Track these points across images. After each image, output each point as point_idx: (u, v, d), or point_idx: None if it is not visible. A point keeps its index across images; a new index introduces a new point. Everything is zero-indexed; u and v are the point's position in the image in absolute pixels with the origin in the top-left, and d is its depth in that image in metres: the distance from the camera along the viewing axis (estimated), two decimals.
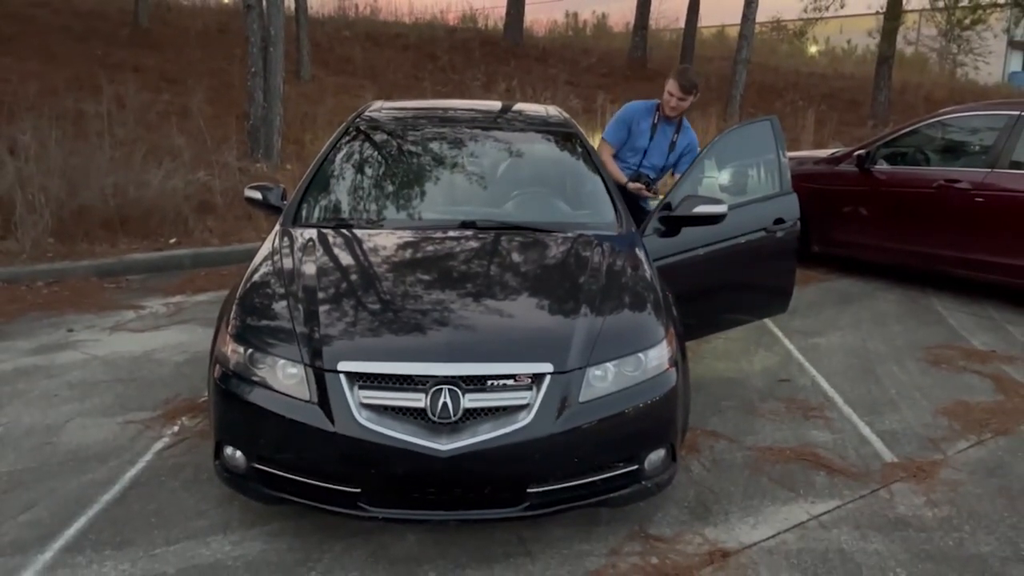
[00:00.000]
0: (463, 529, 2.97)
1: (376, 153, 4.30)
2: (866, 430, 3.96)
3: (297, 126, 10.34)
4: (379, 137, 4.36)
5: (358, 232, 3.61)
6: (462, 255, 3.44)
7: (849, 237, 6.90)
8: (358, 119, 4.43)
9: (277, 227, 3.67)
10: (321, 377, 2.63)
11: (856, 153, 6.95)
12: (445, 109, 4.93)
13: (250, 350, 2.77)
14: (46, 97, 9.10)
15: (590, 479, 2.74)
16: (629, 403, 2.74)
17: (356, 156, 4.22)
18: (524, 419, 2.60)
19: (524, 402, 2.63)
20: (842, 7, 17.79)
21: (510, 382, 2.64)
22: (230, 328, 2.90)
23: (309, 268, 3.17)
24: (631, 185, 4.62)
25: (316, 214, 3.81)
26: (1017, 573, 2.84)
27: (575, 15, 28.56)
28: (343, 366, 2.63)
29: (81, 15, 14.11)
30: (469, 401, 2.59)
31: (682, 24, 18.26)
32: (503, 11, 18.64)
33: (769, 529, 3.06)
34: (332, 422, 2.57)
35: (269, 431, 2.70)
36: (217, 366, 2.86)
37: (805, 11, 18.61)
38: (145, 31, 13.90)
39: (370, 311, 2.93)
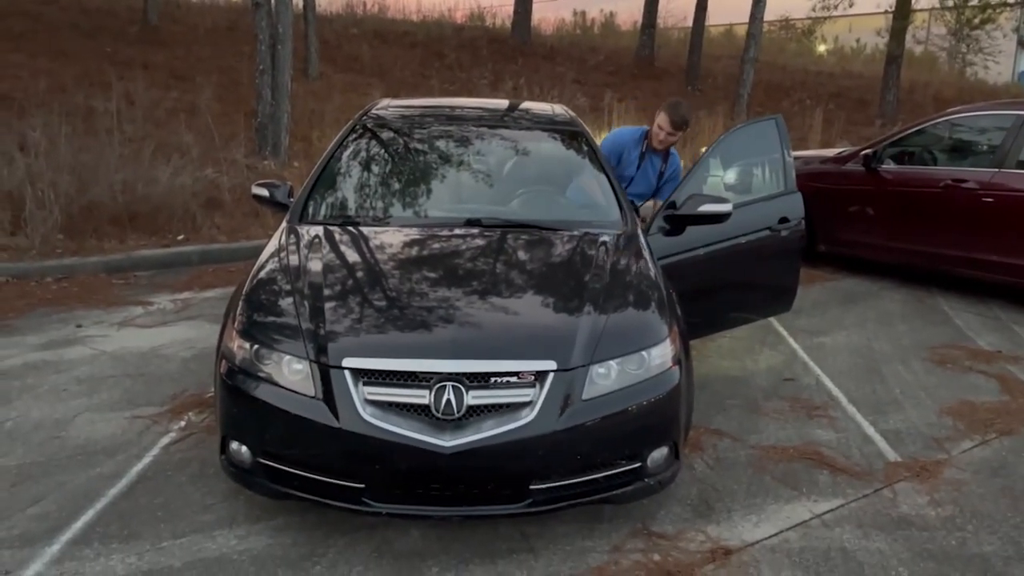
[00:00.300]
0: (467, 525, 2.99)
1: (382, 151, 4.31)
2: (870, 429, 3.96)
3: (305, 123, 10.37)
4: (386, 135, 4.37)
5: (364, 229, 3.62)
6: (467, 253, 3.45)
7: (855, 237, 6.90)
8: (365, 117, 4.44)
9: (284, 224, 3.70)
10: (326, 373, 2.65)
11: (863, 152, 6.94)
12: (452, 107, 4.95)
13: (256, 346, 2.80)
14: (56, 94, 9.17)
15: (593, 476, 2.76)
16: (632, 401, 2.76)
17: (363, 154, 4.24)
18: (527, 416, 2.62)
19: (527, 399, 2.64)
20: (851, 6, 17.74)
21: (514, 379, 2.65)
22: (236, 324, 2.92)
23: (315, 265, 3.19)
24: None
25: (322, 211, 3.83)
26: (1019, 573, 2.85)
27: (583, 13, 28.57)
28: (348, 362, 2.65)
29: (90, 12, 14.18)
30: (473, 398, 2.61)
31: (690, 23, 18.22)
32: (511, 9, 18.64)
33: (771, 527, 3.07)
34: (337, 418, 2.59)
35: (274, 426, 2.72)
36: (223, 362, 2.88)
37: (814, 10, 18.59)
38: (154, 28, 13.97)
39: (375, 308, 2.95)
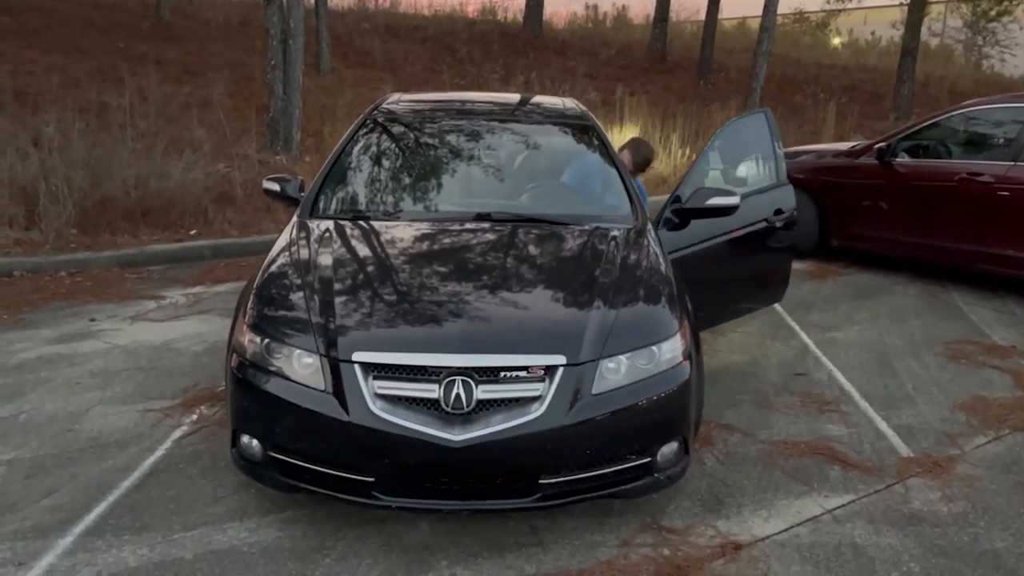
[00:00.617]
0: (476, 519, 3.00)
1: (393, 145, 4.32)
2: (882, 424, 3.94)
3: (316, 118, 10.39)
4: (396, 129, 4.38)
5: (374, 224, 3.63)
6: (477, 247, 3.45)
7: (868, 231, 6.84)
8: (375, 111, 4.45)
9: (294, 218, 3.71)
10: (336, 367, 2.66)
11: (876, 146, 6.88)
12: (463, 102, 4.94)
13: (267, 340, 2.81)
14: (69, 89, 9.22)
15: (602, 471, 2.76)
16: (642, 396, 2.75)
17: (373, 148, 4.25)
18: (537, 411, 2.62)
19: (537, 394, 2.64)
20: None
21: (523, 374, 2.65)
22: (247, 318, 2.94)
23: (325, 259, 3.20)
24: None
25: (333, 206, 3.84)
26: None
27: (595, 7, 28.38)
28: (358, 356, 2.66)
29: (103, 8, 14.24)
30: (482, 392, 2.61)
31: (703, 16, 18.11)
32: (522, 3, 18.58)
33: (782, 522, 3.06)
34: (347, 412, 2.60)
35: (285, 420, 2.73)
36: (234, 356, 2.90)
37: (828, 2, 18.40)
38: (167, 24, 14.02)
39: (385, 302, 2.96)
